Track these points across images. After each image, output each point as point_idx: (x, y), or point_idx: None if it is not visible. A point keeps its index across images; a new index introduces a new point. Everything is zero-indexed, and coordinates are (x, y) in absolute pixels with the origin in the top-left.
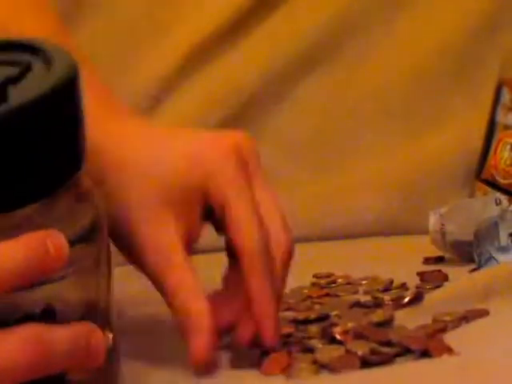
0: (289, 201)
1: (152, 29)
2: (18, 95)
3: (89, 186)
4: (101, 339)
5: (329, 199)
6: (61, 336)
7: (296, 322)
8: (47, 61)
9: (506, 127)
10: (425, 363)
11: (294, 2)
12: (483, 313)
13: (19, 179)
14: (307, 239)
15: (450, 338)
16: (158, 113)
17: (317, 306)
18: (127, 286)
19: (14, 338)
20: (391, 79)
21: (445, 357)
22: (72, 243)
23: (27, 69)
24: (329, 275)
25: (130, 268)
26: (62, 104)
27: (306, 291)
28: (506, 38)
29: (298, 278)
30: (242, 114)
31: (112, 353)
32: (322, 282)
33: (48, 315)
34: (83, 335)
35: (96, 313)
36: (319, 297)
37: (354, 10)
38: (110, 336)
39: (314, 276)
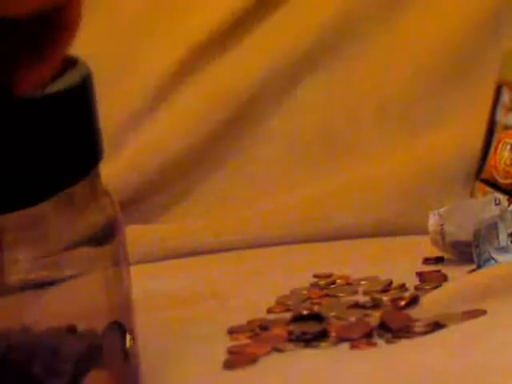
0: (288, 200)
1: (151, 29)
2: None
3: (103, 186)
4: None
5: (329, 199)
6: None
7: (294, 321)
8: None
9: (506, 127)
10: (424, 363)
11: (293, 2)
12: (482, 313)
13: (36, 173)
14: (307, 239)
15: (449, 337)
16: (158, 113)
17: (316, 307)
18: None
19: None
20: (391, 79)
21: (444, 358)
22: (87, 242)
23: None
24: (328, 276)
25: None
26: (79, 100)
27: (305, 292)
28: (507, 38)
29: (298, 279)
30: (241, 114)
31: (132, 355)
32: (322, 282)
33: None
34: None
35: (115, 315)
36: (318, 297)
37: (354, 10)
38: (129, 338)
39: (314, 276)
